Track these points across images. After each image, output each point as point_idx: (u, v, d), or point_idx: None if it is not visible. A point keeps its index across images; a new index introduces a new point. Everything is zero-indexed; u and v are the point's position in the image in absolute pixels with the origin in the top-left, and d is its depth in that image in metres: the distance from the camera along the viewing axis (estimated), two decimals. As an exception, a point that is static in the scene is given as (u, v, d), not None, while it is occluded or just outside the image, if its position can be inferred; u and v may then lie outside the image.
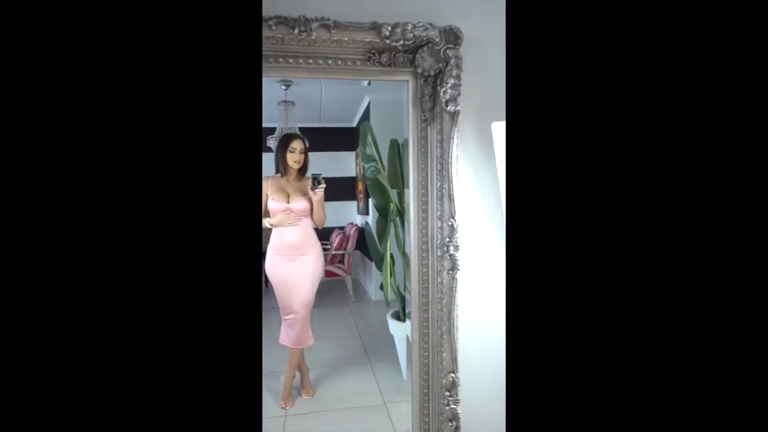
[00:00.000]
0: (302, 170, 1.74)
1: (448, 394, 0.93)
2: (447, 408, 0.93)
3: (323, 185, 1.68)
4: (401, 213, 1.81)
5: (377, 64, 0.86)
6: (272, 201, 1.69)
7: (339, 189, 2.09)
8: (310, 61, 0.85)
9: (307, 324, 1.82)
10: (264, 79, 0.85)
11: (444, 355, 0.92)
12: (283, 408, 1.73)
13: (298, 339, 1.80)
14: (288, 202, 1.71)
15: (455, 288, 0.91)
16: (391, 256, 1.88)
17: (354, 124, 4.19)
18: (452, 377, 0.92)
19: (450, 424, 0.93)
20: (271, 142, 3.15)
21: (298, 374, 1.86)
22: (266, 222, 1.73)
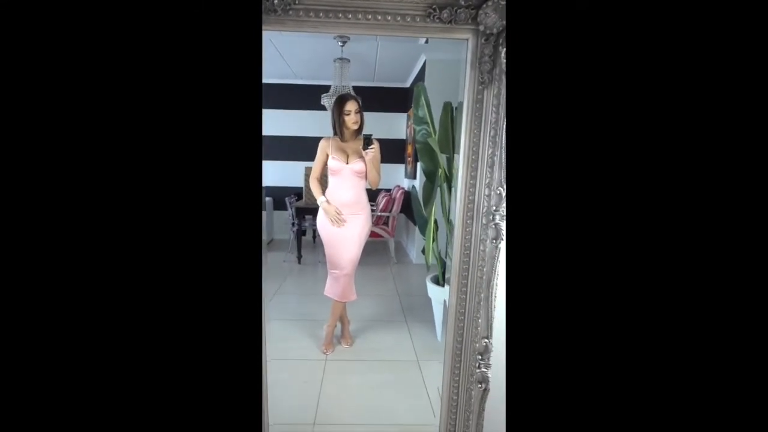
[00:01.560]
0: (358, 130, 1.78)
1: (480, 357, 0.95)
2: (478, 371, 0.96)
3: (375, 145, 1.73)
4: (449, 179, 1.79)
5: (437, 20, 0.83)
6: (332, 160, 1.77)
7: (388, 151, 2.10)
8: (369, 16, 0.83)
9: (352, 280, 1.92)
10: (319, 35, 0.85)
11: (480, 321, 0.94)
12: (324, 353, 1.87)
13: (342, 293, 1.91)
14: (347, 163, 1.77)
15: (497, 257, 0.90)
16: (435, 222, 1.89)
17: (408, 85, 4.07)
18: (486, 342, 0.94)
19: (479, 385, 0.97)
20: (326, 100, 3.17)
21: (339, 325, 1.99)
22: (319, 201, 1.81)
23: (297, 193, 3.85)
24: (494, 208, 0.88)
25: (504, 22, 0.81)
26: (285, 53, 3.21)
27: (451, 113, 1.83)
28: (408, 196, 3.34)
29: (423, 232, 1.99)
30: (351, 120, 1.75)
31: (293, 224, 3.46)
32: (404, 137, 3.98)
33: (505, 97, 0.84)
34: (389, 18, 0.83)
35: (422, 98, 1.87)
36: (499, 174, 0.87)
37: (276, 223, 4.13)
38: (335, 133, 1.81)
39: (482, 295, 0.93)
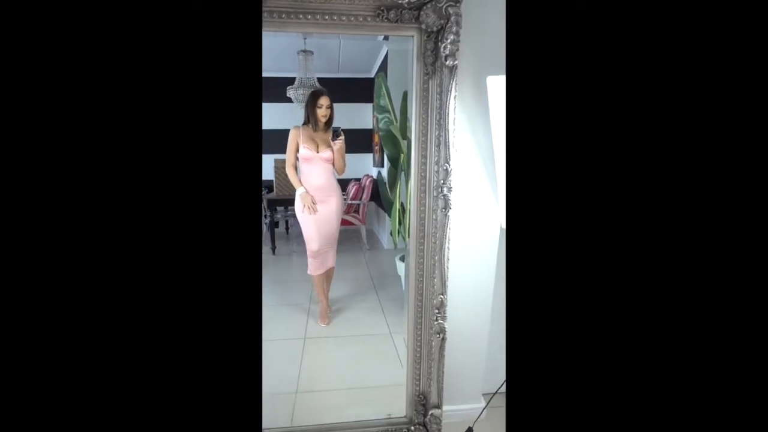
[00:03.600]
0: (328, 123, 1.97)
1: (437, 311, 1.11)
2: (436, 323, 1.12)
3: (342, 137, 1.93)
4: (409, 162, 1.94)
5: (386, 20, 0.95)
6: (303, 149, 1.95)
7: (356, 141, 2.27)
8: (326, 17, 0.94)
9: (332, 252, 2.13)
10: (284, 33, 0.96)
11: (435, 280, 1.09)
12: (324, 325, 2.06)
13: (322, 264, 2.10)
14: (317, 152, 1.95)
15: (447, 224, 1.05)
16: (401, 204, 2.03)
17: (372, 75, 4.15)
18: (441, 298, 1.10)
19: (438, 336, 1.12)
20: (291, 92, 3.24)
21: (320, 304, 2.14)
22: (297, 193, 2.03)
23: (267, 185, 3.88)
24: (442, 182, 1.03)
25: (442, 21, 0.94)
26: (248, 47, 3.22)
27: (409, 101, 1.96)
28: (376, 183, 3.46)
29: (389, 214, 2.15)
30: (321, 113, 1.97)
31: (265, 216, 3.53)
32: (371, 127, 4.08)
33: (446, 86, 0.98)
34: (344, 18, 0.95)
35: (383, 88, 2.00)
36: (445, 152, 1.02)
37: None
38: (306, 123, 2.00)
39: (436, 257, 1.08)
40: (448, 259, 1.08)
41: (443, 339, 1.12)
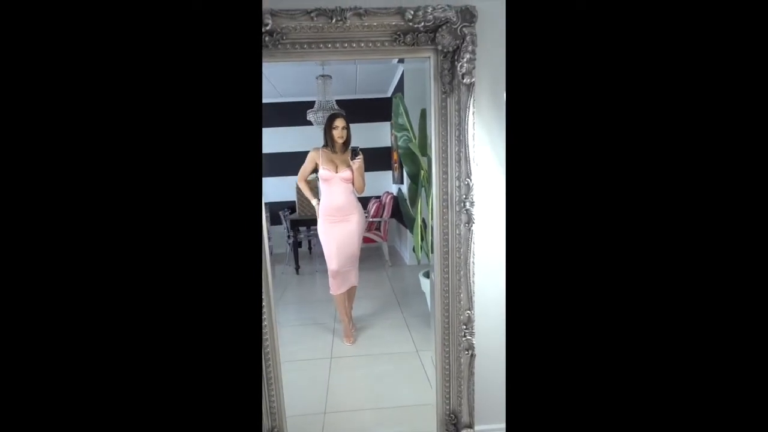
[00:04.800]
0: (346, 143, 2.01)
1: (465, 327, 1.10)
2: (464, 339, 1.10)
3: (360, 156, 1.98)
4: (430, 178, 1.95)
5: (402, 44, 0.99)
6: (323, 170, 2.00)
7: (375, 159, 2.33)
8: (345, 45, 0.99)
9: (354, 271, 2.14)
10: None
11: (461, 295, 1.08)
12: (349, 344, 2.06)
13: (343, 283, 2.11)
14: (336, 172, 2.00)
15: (471, 239, 1.05)
16: (423, 220, 2.04)
17: (389, 95, 4.25)
18: (468, 314, 1.09)
19: (467, 352, 1.11)
20: (311, 115, 3.35)
21: (343, 323, 2.15)
22: (314, 202, 2.10)
23: (290, 206, 3.98)
24: (464, 196, 1.04)
25: (457, 42, 0.97)
26: (270, 75, 3.38)
27: (427, 119, 2.00)
28: (397, 200, 3.49)
29: (411, 230, 2.16)
30: (337, 134, 2.01)
31: (288, 236, 3.59)
32: (389, 145, 4.15)
33: (464, 103, 1.00)
34: (362, 45, 0.99)
35: (401, 107, 2.04)
36: (466, 167, 1.03)
37: (273, 238, 4.27)
38: (326, 144, 2.04)
39: (461, 273, 1.07)
40: (473, 273, 1.07)
41: (472, 355, 1.11)
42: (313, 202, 2.08)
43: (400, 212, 3.10)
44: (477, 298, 1.09)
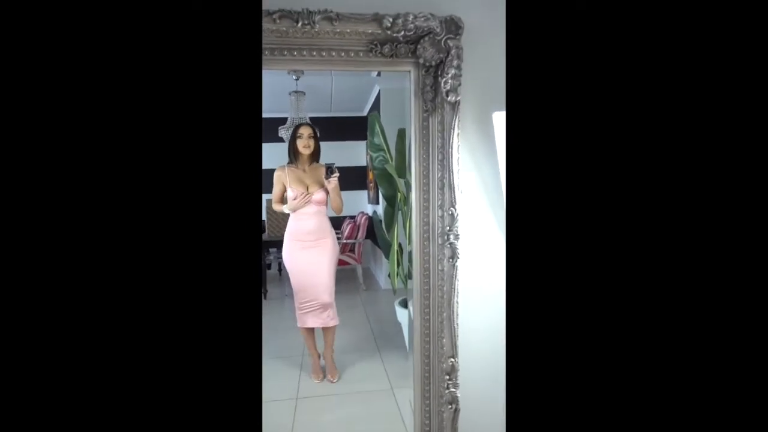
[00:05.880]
0: (313, 156, 1.80)
1: (447, 378, 0.96)
2: (447, 392, 0.96)
3: (336, 174, 1.77)
4: (408, 202, 1.83)
5: (379, 55, 0.88)
6: (291, 191, 1.76)
7: (350, 178, 2.15)
8: (314, 53, 0.86)
9: (330, 309, 1.92)
10: (273, 71, 0.88)
11: (444, 340, 0.95)
12: (317, 381, 1.83)
13: (313, 317, 1.89)
14: (308, 193, 1.78)
15: (455, 276, 0.93)
16: (399, 245, 1.91)
17: (365, 113, 4.18)
18: (452, 362, 0.95)
19: (449, 406, 0.96)
20: (283, 132, 3.20)
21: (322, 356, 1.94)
22: (284, 208, 1.80)
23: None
24: (448, 228, 0.91)
25: (441, 55, 0.87)
26: (240, 88, 3.24)
27: (405, 139, 1.90)
28: (372, 221, 3.36)
29: (387, 256, 2.01)
30: (302, 144, 1.78)
31: (257, 258, 3.37)
32: (365, 164, 4.05)
33: (448, 123, 0.89)
34: (334, 54, 0.87)
35: (377, 126, 1.93)
36: (450, 196, 0.91)
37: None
38: (289, 159, 1.84)
39: (444, 314, 0.94)
40: (457, 315, 0.94)
41: (456, 410, 0.96)
42: (281, 207, 1.83)
43: (375, 233, 2.97)
44: (461, 343, 0.96)
